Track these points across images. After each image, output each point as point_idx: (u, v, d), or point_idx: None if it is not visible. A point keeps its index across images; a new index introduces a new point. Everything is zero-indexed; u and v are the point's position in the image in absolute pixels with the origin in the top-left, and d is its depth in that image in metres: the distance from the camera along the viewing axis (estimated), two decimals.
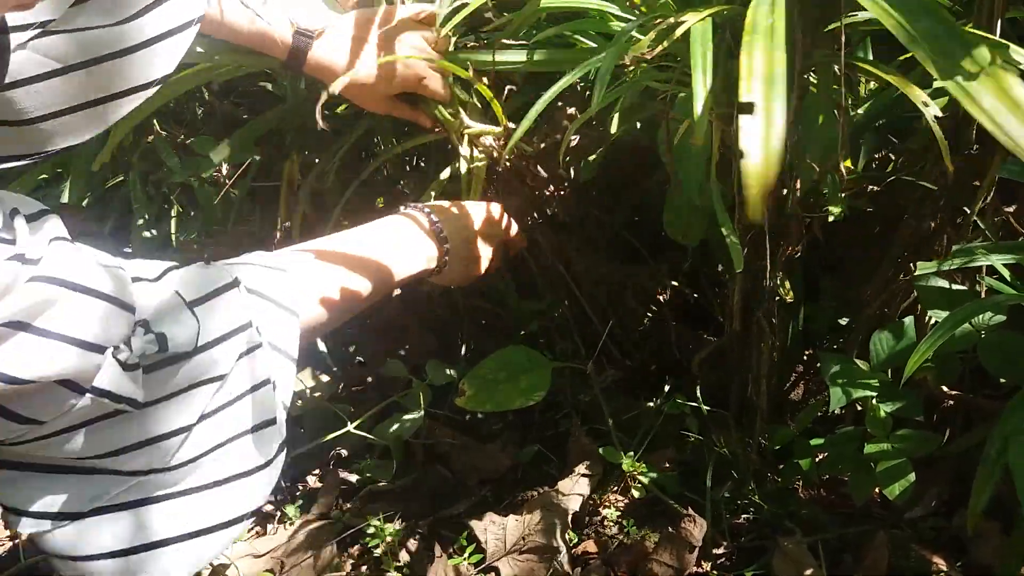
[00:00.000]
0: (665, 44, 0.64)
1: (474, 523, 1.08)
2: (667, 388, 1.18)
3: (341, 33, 1.01)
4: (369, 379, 1.32)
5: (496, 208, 1.04)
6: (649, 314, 1.17)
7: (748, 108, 0.53)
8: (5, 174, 1.29)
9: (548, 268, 1.12)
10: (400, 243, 0.93)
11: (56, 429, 0.63)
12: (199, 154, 1.27)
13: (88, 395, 0.62)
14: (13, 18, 0.73)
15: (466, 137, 1.06)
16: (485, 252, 1.02)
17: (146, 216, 1.39)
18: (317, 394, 1.27)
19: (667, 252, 1.13)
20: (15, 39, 0.73)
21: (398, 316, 1.37)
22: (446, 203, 1.02)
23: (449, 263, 0.97)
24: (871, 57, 1.01)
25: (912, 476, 0.92)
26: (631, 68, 0.76)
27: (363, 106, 1.08)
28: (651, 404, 1.16)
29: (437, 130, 1.10)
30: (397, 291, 0.96)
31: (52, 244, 0.62)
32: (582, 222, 1.09)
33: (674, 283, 1.15)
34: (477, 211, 1.03)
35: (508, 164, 1.03)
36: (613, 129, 0.78)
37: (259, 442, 0.71)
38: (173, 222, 1.39)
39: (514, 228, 1.05)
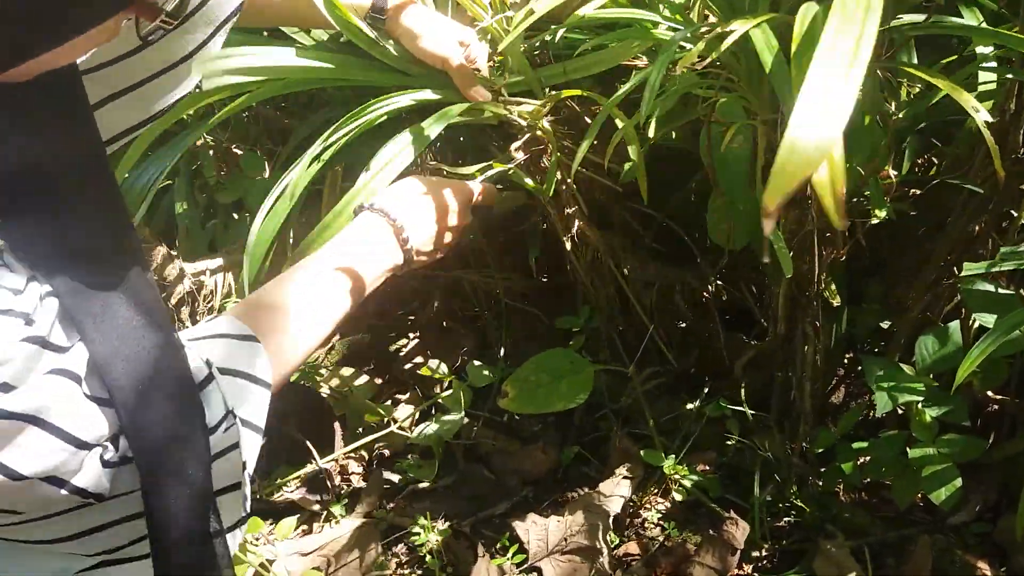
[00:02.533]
0: (715, 55, 0.64)
1: (517, 524, 1.09)
2: (707, 390, 1.18)
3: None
4: (411, 379, 1.34)
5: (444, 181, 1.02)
6: (692, 316, 1.17)
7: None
8: None
9: (596, 269, 1.12)
10: (359, 255, 0.90)
11: (28, 519, 0.63)
12: (243, 168, 1.29)
13: (64, 490, 0.62)
14: None
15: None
16: (452, 220, 0.99)
17: (187, 222, 1.43)
18: (360, 394, 1.29)
19: (708, 255, 1.14)
20: None
21: (439, 317, 1.39)
22: (396, 187, 0.99)
23: (414, 245, 0.94)
24: (915, 61, 1.01)
25: (959, 482, 0.92)
26: (676, 75, 0.77)
27: (431, 62, 1.05)
28: (691, 406, 1.17)
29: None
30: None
31: (80, 343, 0.63)
32: (627, 224, 1.10)
33: (717, 285, 1.15)
34: (423, 184, 0.99)
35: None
36: (651, 134, 0.78)
37: (222, 506, 0.70)
38: (215, 230, 1.42)
39: (475, 186, 1.01)
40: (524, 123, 0.99)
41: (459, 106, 0.98)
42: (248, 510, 0.73)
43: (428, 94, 1.03)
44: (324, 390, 1.28)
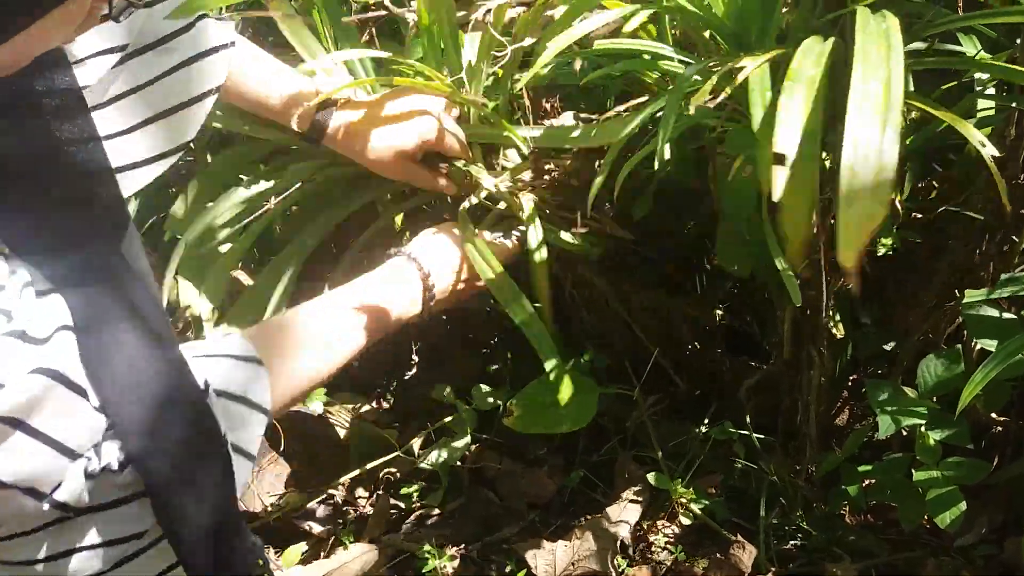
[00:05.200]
0: (728, 91, 0.66)
1: (525, 549, 1.10)
2: (711, 414, 1.19)
3: (359, 103, 1.03)
4: (416, 403, 1.34)
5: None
6: (696, 342, 1.18)
7: (780, 160, 0.55)
8: None
9: (596, 301, 1.13)
10: (383, 297, 0.92)
11: (9, 533, 0.61)
12: None
13: (45, 504, 0.59)
14: (96, 43, 0.78)
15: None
16: (470, 273, 1.01)
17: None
18: (366, 419, 1.29)
19: (713, 281, 1.15)
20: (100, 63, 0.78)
21: (444, 341, 1.39)
22: (428, 238, 1.01)
23: (436, 295, 0.96)
24: (912, 88, 1.03)
25: (963, 505, 0.92)
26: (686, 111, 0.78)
27: (383, 173, 1.06)
28: (697, 430, 1.17)
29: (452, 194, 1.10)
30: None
31: (58, 332, 0.60)
32: (631, 254, 1.11)
33: (720, 311, 1.16)
34: (449, 237, 1.01)
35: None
36: (656, 167, 0.79)
37: None
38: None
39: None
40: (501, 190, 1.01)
41: None
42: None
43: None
44: (330, 416, 1.28)
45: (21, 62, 0.57)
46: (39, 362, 0.58)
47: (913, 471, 0.98)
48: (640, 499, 1.13)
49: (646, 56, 0.92)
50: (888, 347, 1.17)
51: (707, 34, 0.92)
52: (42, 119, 0.66)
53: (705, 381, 1.21)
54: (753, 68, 0.68)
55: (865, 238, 0.45)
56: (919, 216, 1.08)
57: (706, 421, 1.18)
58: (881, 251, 0.91)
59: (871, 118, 0.49)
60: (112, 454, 0.62)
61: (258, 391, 0.74)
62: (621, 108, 0.93)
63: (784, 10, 0.82)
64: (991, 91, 1.01)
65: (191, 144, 0.91)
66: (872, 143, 0.48)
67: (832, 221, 0.89)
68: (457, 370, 1.34)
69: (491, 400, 1.24)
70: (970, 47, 1.02)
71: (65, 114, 0.68)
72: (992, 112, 1.01)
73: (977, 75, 1.02)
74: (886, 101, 0.50)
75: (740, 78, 0.67)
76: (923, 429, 0.96)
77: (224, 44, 0.90)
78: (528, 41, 0.87)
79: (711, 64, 0.76)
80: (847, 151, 0.48)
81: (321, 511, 1.22)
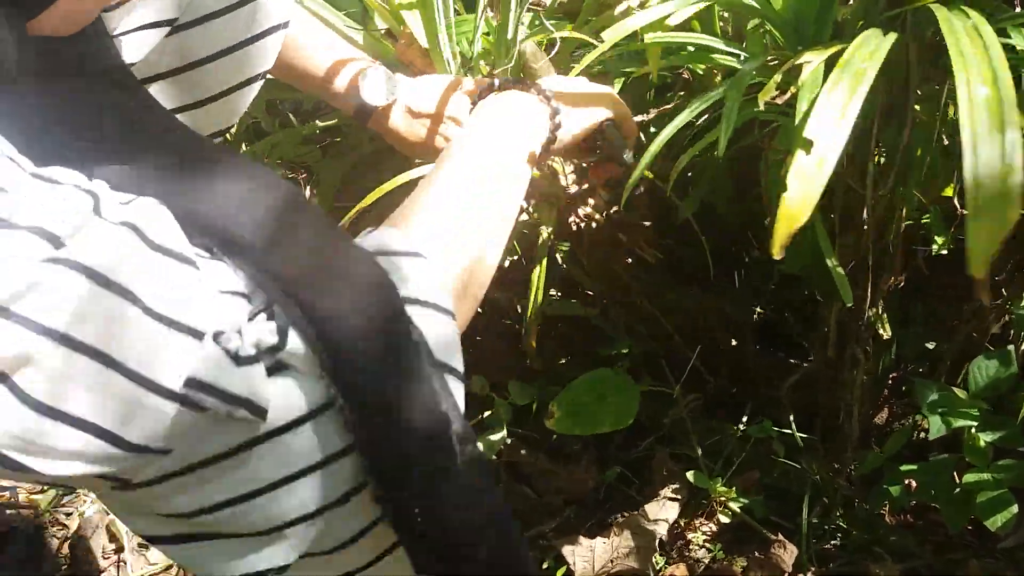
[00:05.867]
0: (794, 88, 0.64)
1: (563, 545, 1.09)
2: (749, 412, 1.18)
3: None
4: None
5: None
6: (734, 339, 1.17)
7: (806, 145, 0.54)
8: None
9: (635, 303, 1.13)
10: (511, 127, 0.74)
11: (178, 467, 0.49)
12: None
13: (180, 398, 0.46)
14: (144, 16, 0.73)
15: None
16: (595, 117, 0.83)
17: None
18: None
19: (752, 277, 1.14)
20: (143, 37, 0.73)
21: (479, 334, 1.38)
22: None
23: (562, 117, 0.78)
24: None
25: (1015, 508, 0.91)
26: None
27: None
28: (735, 428, 1.16)
29: None
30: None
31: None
32: (671, 251, 1.10)
33: (759, 309, 1.15)
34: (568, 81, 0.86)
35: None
36: (720, 153, 0.77)
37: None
38: None
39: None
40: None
41: None
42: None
43: None
44: None
45: (72, 25, 0.55)
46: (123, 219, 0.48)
47: (960, 473, 0.97)
48: (678, 497, 1.12)
49: (691, 48, 0.90)
50: (931, 346, 1.16)
51: (759, 27, 0.91)
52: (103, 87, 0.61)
53: (742, 379, 1.20)
54: (818, 63, 0.67)
55: (996, 248, 0.44)
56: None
57: (744, 419, 1.17)
58: (934, 250, 0.89)
59: (987, 123, 0.47)
60: (265, 332, 0.50)
61: (439, 292, 0.58)
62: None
63: (842, 4, 0.81)
64: None
65: (229, 132, 0.89)
66: (993, 149, 0.46)
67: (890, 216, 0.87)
68: (492, 363, 1.33)
69: (528, 393, 1.23)
70: (1020, 41, 1.00)
71: (121, 87, 0.64)
72: None
73: None
74: (998, 103, 0.48)
75: (805, 74, 0.66)
76: (973, 431, 0.94)
77: (279, 24, 0.84)
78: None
79: (769, 59, 0.75)
80: (968, 162, 0.47)
81: None
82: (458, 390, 0.57)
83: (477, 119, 0.76)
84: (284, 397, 0.51)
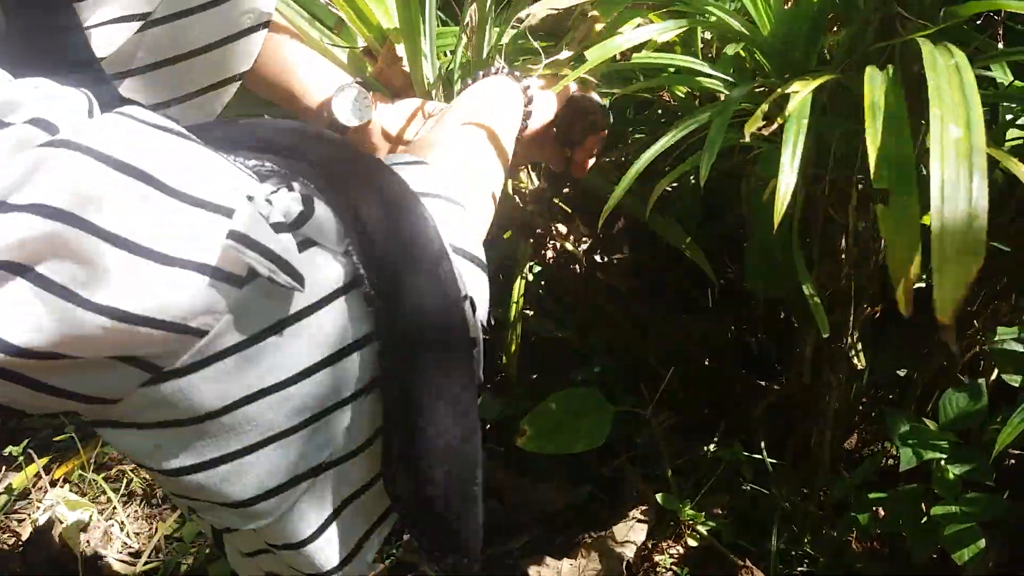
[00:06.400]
0: (780, 119, 0.64)
1: (530, 566, 1.08)
2: (719, 434, 1.18)
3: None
4: None
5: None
6: (708, 360, 1.17)
7: (883, 197, 0.53)
8: None
9: (611, 323, 1.12)
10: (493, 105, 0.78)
11: (215, 351, 0.48)
12: None
13: (212, 271, 0.45)
14: (112, 10, 0.71)
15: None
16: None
17: None
18: None
19: (731, 300, 1.13)
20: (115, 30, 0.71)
21: None
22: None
23: (533, 107, 0.83)
24: None
25: (982, 542, 0.91)
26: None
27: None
28: (705, 449, 1.16)
29: None
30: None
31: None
32: (650, 272, 1.09)
33: (735, 331, 1.15)
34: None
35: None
36: (702, 181, 0.76)
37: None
38: None
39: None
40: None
41: None
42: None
43: None
44: None
45: None
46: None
47: (928, 504, 0.97)
48: (647, 518, 1.11)
49: (671, 71, 0.90)
50: (902, 373, 1.16)
51: (743, 52, 0.91)
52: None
53: (716, 399, 1.19)
54: (806, 93, 0.67)
55: (962, 293, 0.43)
56: None
57: (715, 440, 1.16)
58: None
59: (955, 166, 0.47)
60: (291, 201, 0.49)
61: (477, 242, 0.58)
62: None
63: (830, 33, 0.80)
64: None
65: None
66: (960, 192, 0.46)
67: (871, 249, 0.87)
68: None
69: (498, 409, 1.22)
70: (1001, 75, 1.00)
71: (88, 82, 0.63)
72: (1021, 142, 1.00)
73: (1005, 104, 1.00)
74: (968, 145, 0.48)
75: (794, 103, 0.65)
76: (943, 463, 0.94)
77: (259, 24, 0.80)
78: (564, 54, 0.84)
79: (756, 86, 0.74)
80: (935, 201, 0.46)
81: None
82: (476, 275, 0.56)
83: (469, 92, 0.80)
84: (316, 271, 0.49)
